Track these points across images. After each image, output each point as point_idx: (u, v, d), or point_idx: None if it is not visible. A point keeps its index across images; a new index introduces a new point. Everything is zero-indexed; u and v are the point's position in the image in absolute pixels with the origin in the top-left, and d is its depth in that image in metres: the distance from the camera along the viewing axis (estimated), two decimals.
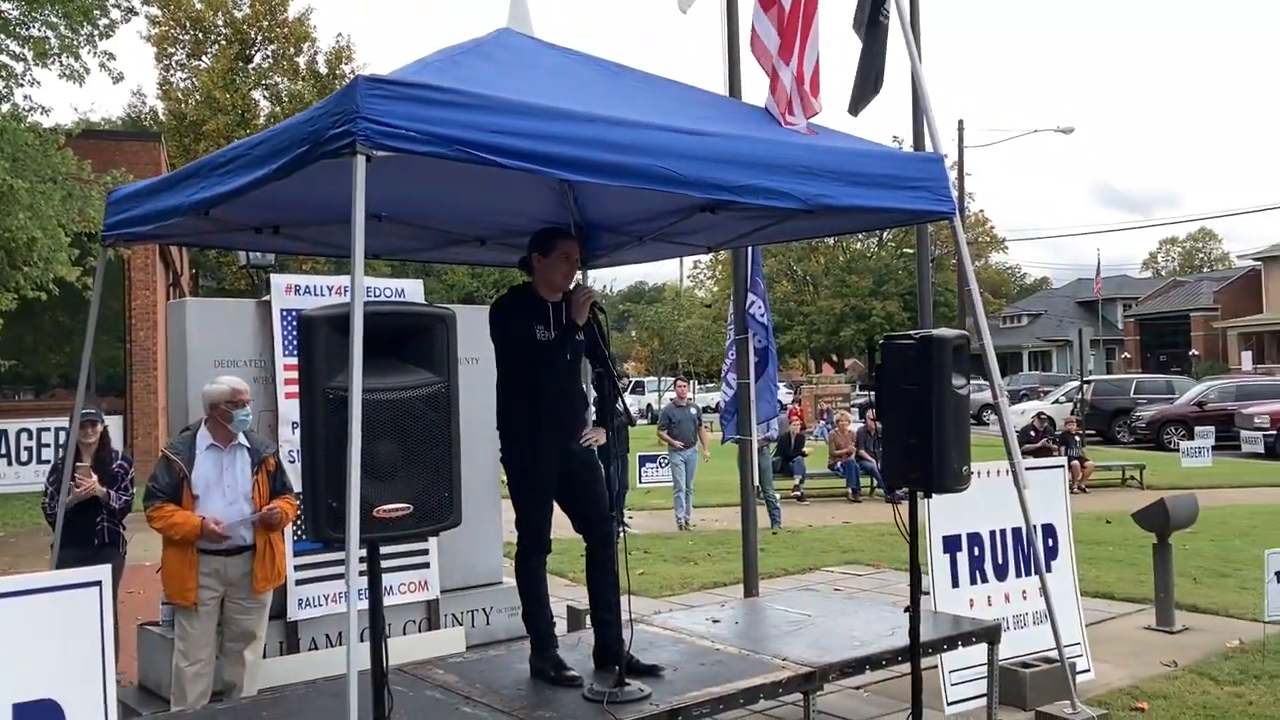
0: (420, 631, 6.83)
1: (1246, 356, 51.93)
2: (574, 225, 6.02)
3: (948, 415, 4.51)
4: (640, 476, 16.25)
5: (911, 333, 4.62)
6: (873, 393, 4.58)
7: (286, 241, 5.71)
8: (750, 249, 7.56)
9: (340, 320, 3.07)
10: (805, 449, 17.69)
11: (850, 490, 17.05)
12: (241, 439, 5.63)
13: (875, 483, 17.11)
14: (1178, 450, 20.17)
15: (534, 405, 4.68)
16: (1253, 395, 27.78)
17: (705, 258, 61.50)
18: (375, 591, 3.28)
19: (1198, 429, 23.55)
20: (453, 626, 6.94)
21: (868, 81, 5.55)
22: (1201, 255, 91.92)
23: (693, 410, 14.43)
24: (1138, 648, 7.33)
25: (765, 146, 4.10)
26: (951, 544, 6.24)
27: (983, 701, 5.89)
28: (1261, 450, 23.58)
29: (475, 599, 7.14)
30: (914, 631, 4.76)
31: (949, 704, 5.95)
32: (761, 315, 7.72)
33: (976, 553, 6.35)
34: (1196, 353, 57.33)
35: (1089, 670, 6.58)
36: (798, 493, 16.72)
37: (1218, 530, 12.53)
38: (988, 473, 6.36)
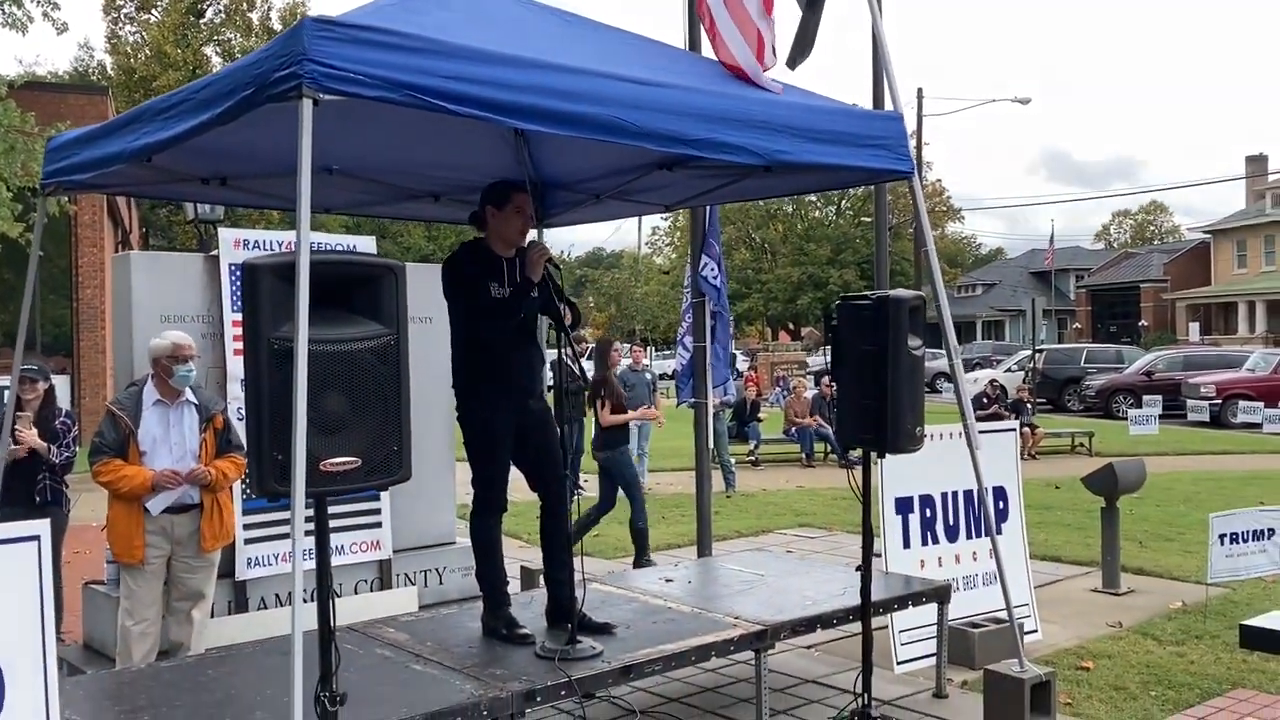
0: (372, 591, 6.78)
1: (1194, 328, 52.89)
2: (529, 182, 5.93)
3: (903, 376, 4.51)
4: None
5: (868, 293, 4.60)
6: (828, 354, 4.56)
7: (234, 193, 5.58)
8: (708, 211, 7.52)
9: (286, 269, 2.99)
10: (760, 415, 17.77)
11: (804, 455, 17.15)
12: (189, 395, 5.52)
13: (829, 448, 17.23)
14: (1126, 419, 20.47)
15: (490, 363, 4.62)
16: (1199, 366, 28.28)
17: (663, 223, 61.46)
18: (323, 547, 3.23)
19: (1145, 398, 23.99)
20: (405, 586, 6.89)
21: (806, 38, 5.50)
22: (1153, 228, 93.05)
23: (648, 375, 14.40)
24: (1084, 609, 7.44)
25: (723, 101, 4.03)
26: (904, 505, 6.28)
27: (932, 661, 5.95)
28: (1206, 419, 24.08)
29: (428, 559, 7.09)
30: (865, 591, 4.78)
31: (899, 663, 6.01)
32: (715, 279, 7.68)
33: (928, 514, 6.40)
34: (1146, 323, 58.21)
35: (1036, 631, 6.67)
36: (752, 458, 16.78)
37: (1163, 496, 12.75)
38: (940, 435, 6.39)
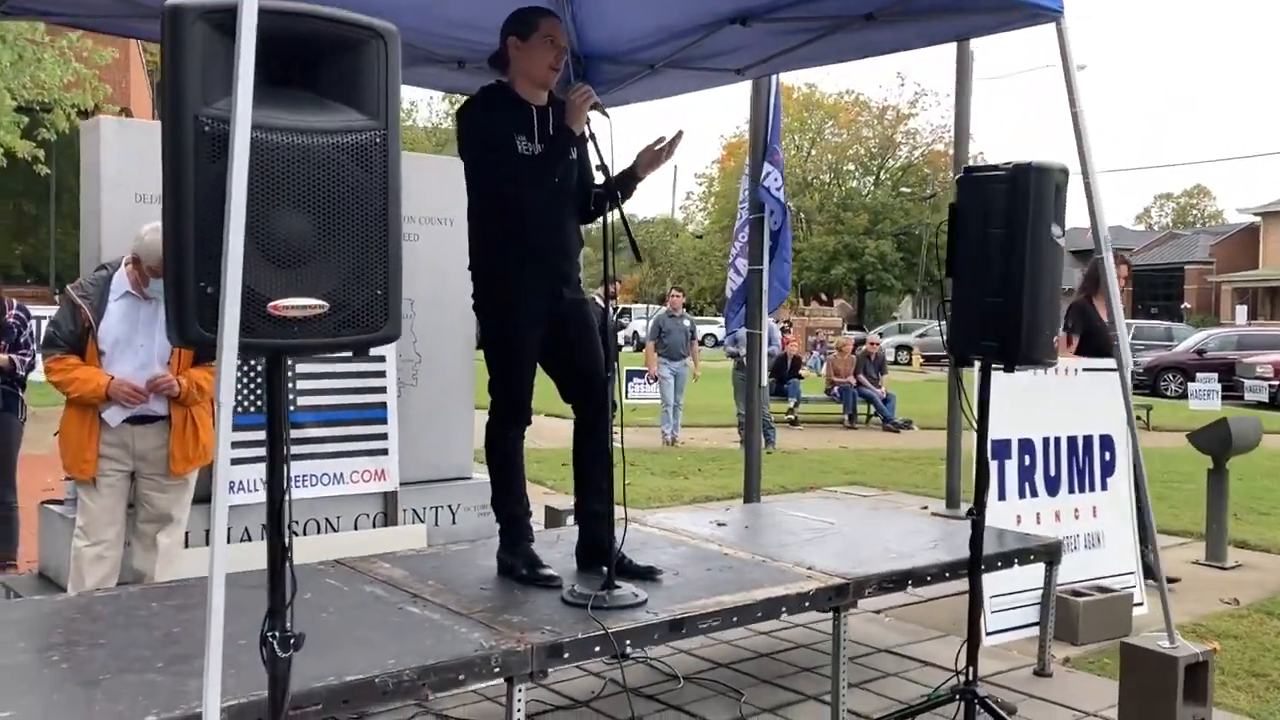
0: (374, 527, 5.88)
1: (1241, 311, 51.30)
2: (571, 55, 4.98)
3: (1043, 267, 3.54)
4: (626, 391, 15.41)
5: (1001, 163, 3.62)
6: (941, 247, 3.58)
7: None
8: (770, 109, 6.53)
9: (225, 15, 2.05)
10: (801, 371, 16.77)
11: (847, 416, 16.16)
12: None
13: (872, 410, 16.22)
14: (1175, 397, 19.37)
15: (515, 239, 3.68)
16: (1253, 345, 27.01)
17: (698, 187, 60.14)
18: (276, 428, 2.30)
19: (1199, 375, 22.84)
20: (413, 523, 6.00)
21: None
22: (1195, 211, 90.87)
23: (686, 322, 13.51)
24: (1191, 583, 6.46)
25: None
26: (1000, 450, 5.30)
27: (1026, 632, 5.04)
28: (1266, 399, 22.93)
29: (440, 494, 6.18)
30: (977, 540, 3.82)
31: (988, 633, 5.04)
32: (777, 190, 6.70)
33: (1026, 462, 5.43)
34: (1189, 306, 56.63)
35: (1143, 604, 5.72)
36: (791, 416, 15.81)
37: (1243, 470, 11.68)
38: (1043, 370, 5.43)
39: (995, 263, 3.57)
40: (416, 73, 5.20)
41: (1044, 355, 3.63)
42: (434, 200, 5.92)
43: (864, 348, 17.03)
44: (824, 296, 59.32)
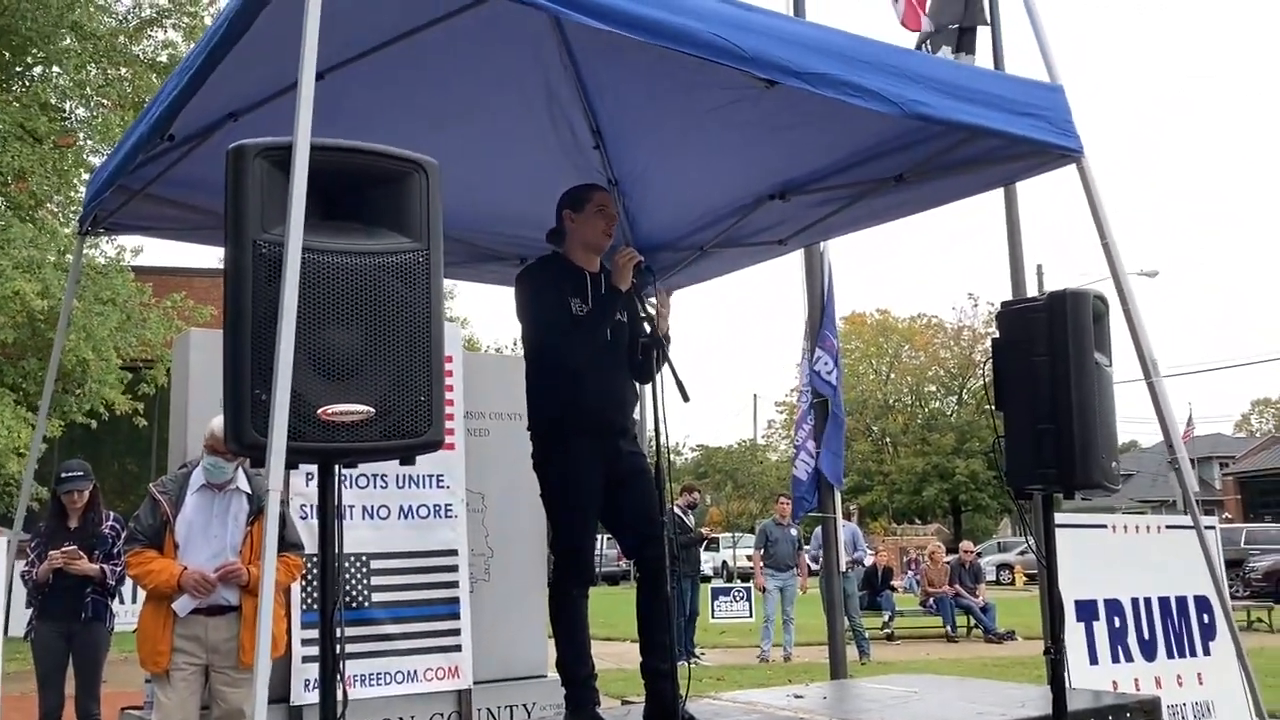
0: None
1: None
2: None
3: (1089, 390, 3.55)
4: (713, 611, 14.97)
5: (1037, 295, 3.70)
6: (990, 382, 3.64)
7: None
8: (825, 297, 6.73)
9: (281, 153, 2.30)
10: (894, 583, 16.28)
11: (947, 629, 15.51)
12: (241, 482, 4.80)
13: (973, 621, 15.58)
14: None
15: (570, 396, 3.81)
16: None
17: (779, 415, 60.38)
18: (326, 538, 2.39)
19: None
20: None
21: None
22: None
23: (793, 531, 12.90)
24: None
25: (846, 38, 3.30)
26: (1086, 610, 5.11)
27: None
28: None
29: (514, 693, 6.07)
30: (1057, 680, 3.65)
31: None
32: (830, 374, 6.81)
33: (1117, 624, 5.20)
34: None
35: None
36: (887, 630, 15.20)
37: None
38: (1125, 528, 5.30)
39: (1042, 389, 3.59)
40: (482, 270, 5.53)
41: (1103, 479, 3.57)
42: (502, 396, 6.13)
43: (958, 556, 16.55)
44: (916, 520, 58.13)
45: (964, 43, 5.88)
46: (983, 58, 6.15)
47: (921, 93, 3.38)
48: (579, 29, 2.83)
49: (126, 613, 8.04)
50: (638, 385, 4.11)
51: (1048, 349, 3.60)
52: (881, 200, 4.50)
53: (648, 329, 3.80)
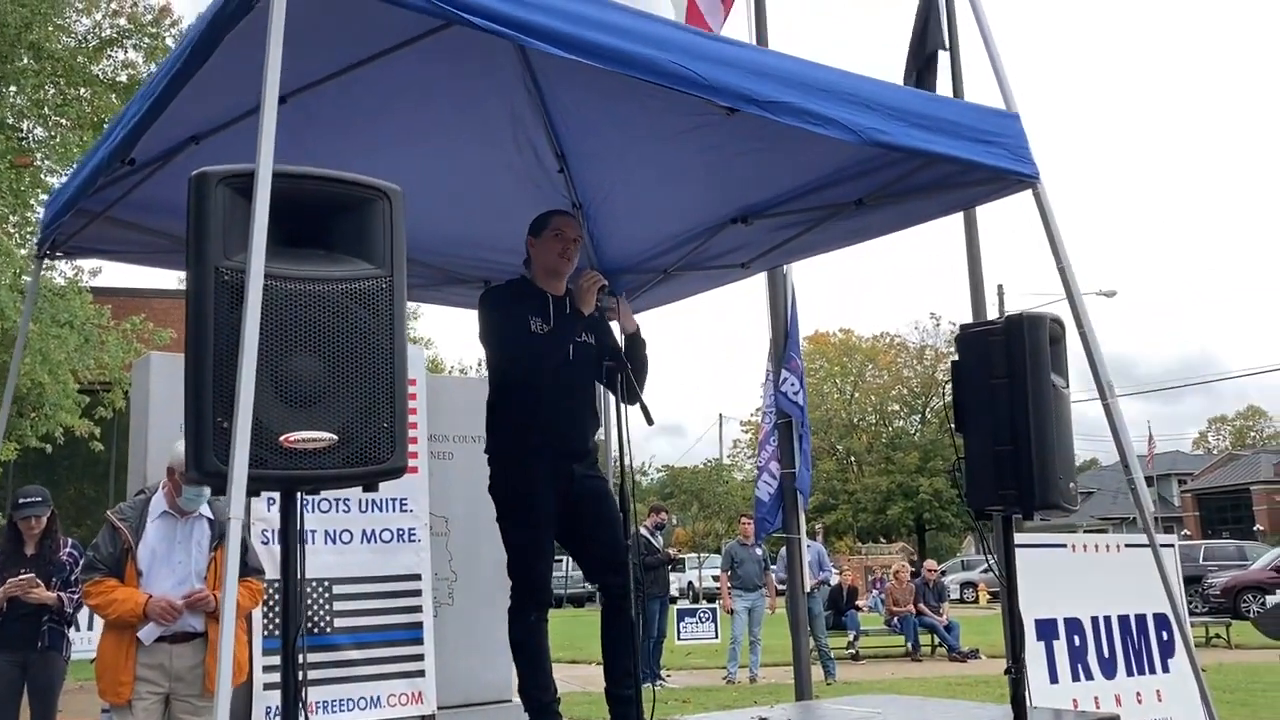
0: None
1: None
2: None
3: (1046, 411, 3.60)
4: (679, 632, 14.95)
5: (997, 317, 3.76)
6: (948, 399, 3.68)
7: None
8: (788, 318, 6.78)
9: (243, 180, 2.29)
10: (859, 603, 16.34)
11: (910, 646, 15.59)
12: (205, 508, 4.76)
13: (936, 640, 15.66)
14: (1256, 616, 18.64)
15: (528, 417, 3.82)
16: None
17: (744, 435, 60.60)
18: (288, 565, 2.38)
19: None
20: None
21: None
22: (1253, 434, 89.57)
23: (759, 551, 12.87)
24: None
25: (805, 66, 3.35)
26: (1046, 629, 5.16)
27: None
28: None
29: (479, 718, 6.06)
30: (1017, 699, 3.69)
31: None
32: (796, 395, 6.84)
33: (1077, 642, 5.26)
34: (1261, 527, 54.86)
35: None
36: (852, 650, 15.26)
37: None
38: (1084, 546, 5.36)
39: (1001, 411, 3.64)
40: (446, 293, 5.53)
41: (1061, 500, 3.62)
42: (465, 419, 6.13)
43: (922, 575, 16.64)
44: (881, 540, 58.37)
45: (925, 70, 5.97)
46: (943, 84, 6.26)
47: (880, 120, 3.42)
48: (543, 54, 2.84)
49: (82, 640, 7.92)
50: (599, 412, 4.13)
51: (1006, 371, 3.65)
52: (842, 225, 4.55)
53: (622, 345, 3.83)
